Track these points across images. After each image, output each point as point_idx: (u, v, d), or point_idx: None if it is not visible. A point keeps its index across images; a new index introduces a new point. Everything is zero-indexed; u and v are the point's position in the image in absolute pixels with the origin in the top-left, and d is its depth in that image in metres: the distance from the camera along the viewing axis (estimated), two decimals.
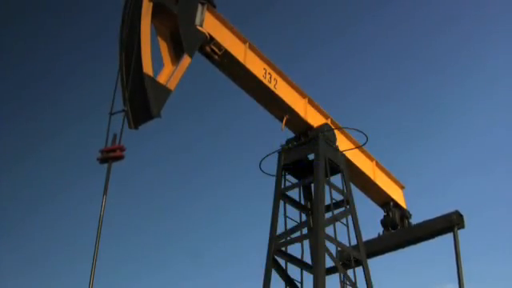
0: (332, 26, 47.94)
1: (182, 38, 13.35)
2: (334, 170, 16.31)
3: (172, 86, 12.97)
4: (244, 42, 15.01)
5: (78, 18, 44.84)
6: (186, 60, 13.32)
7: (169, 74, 13.15)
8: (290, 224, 16.10)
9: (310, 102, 16.65)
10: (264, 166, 16.69)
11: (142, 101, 12.30)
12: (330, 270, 15.41)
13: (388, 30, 47.70)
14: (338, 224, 15.97)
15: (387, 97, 45.23)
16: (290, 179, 16.49)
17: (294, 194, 16.55)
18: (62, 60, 44.53)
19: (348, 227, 16.02)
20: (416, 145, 41.57)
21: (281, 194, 16.16)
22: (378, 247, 18.53)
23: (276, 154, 16.56)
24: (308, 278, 15.52)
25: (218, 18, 14.38)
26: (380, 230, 18.95)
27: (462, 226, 18.01)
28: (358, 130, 18.01)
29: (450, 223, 17.94)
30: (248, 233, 38.55)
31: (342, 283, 15.28)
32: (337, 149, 16.68)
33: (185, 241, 39.95)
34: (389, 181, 19.01)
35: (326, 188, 15.87)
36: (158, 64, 13.15)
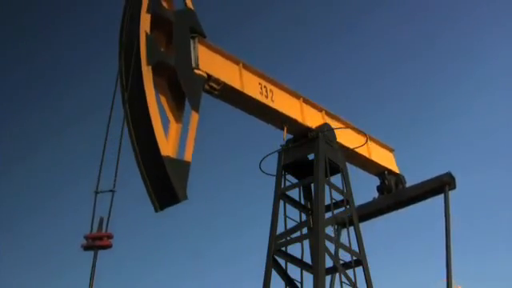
0: (332, 26, 48.02)
1: (186, 94, 13.24)
2: (334, 170, 16.32)
3: (189, 157, 12.74)
4: (237, 63, 15.05)
5: (78, 17, 44.86)
6: (194, 117, 13.15)
7: (177, 134, 13.00)
8: (290, 224, 16.14)
9: (305, 101, 16.70)
10: (264, 166, 16.73)
11: (162, 181, 11.99)
12: (330, 270, 15.42)
13: (388, 30, 47.77)
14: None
15: (387, 96, 45.28)
16: (290, 179, 16.50)
17: (294, 193, 16.58)
18: (61, 60, 44.56)
19: (348, 227, 16.04)
20: (415, 139, 41.51)
21: (281, 194, 16.17)
22: (371, 210, 18.78)
23: (276, 154, 16.57)
24: (308, 278, 15.55)
25: (208, 47, 14.33)
26: (375, 195, 19.15)
27: (454, 187, 18.20)
28: (357, 130, 18.10)
29: (442, 183, 18.09)
30: (248, 233, 38.54)
31: (341, 283, 15.31)
32: (337, 148, 16.68)
33: (185, 241, 39.96)
34: (381, 150, 19.07)
35: (326, 188, 15.89)
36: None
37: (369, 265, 15.94)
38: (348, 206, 16.25)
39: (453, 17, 46.28)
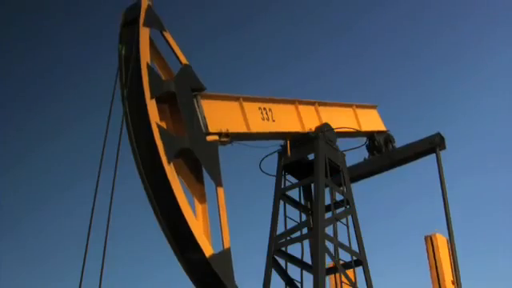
0: (331, 26, 48.03)
1: (207, 172, 13.01)
2: (334, 170, 16.32)
3: (227, 242, 12.58)
4: (237, 99, 15.06)
5: (78, 18, 44.86)
6: (220, 194, 12.95)
7: (205, 216, 12.77)
8: (290, 224, 16.14)
9: (299, 102, 16.72)
10: (264, 166, 16.72)
11: (209, 277, 12.02)
12: (330, 270, 15.41)
13: (388, 30, 47.78)
14: (338, 224, 16.00)
15: (386, 97, 45.29)
16: (290, 179, 16.51)
17: (294, 194, 16.58)
18: (61, 60, 44.55)
19: (348, 227, 16.05)
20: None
21: (281, 194, 16.17)
22: (363, 171, 18.87)
23: (276, 154, 16.57)
24: (308, 278, 15.55)
25: (209, 97, 14.13)
26: (365, 154, 19.22)
27: (444, 147, 18.31)
28: (356, 129, 18.10)
29: (432, 144, 18.17)
30: (248, 233, 38.51)
31: (341, 283, 15.30)
32: (337, 149, 16.70)
33: None
34: (367, 114, 19.07)
35: (326, 188, 15.87)
36: None
37: (369, 265, 15.95)
38: (348, 206, 16.25)
39: (453, 17, 46.31)
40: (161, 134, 12.26)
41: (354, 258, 15.72)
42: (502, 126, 42.18)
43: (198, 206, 12.88)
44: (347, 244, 15.81)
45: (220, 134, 13.91)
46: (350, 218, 16.20)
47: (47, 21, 45.96)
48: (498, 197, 42.04)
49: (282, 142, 16.52)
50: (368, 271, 15.85)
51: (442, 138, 18.26)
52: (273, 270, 15.42)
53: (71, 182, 42.93)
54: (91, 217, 11.39)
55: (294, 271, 15.89)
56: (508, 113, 41.39)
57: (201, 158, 12.98)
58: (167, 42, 13.72)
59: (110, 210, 11.50)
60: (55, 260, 39.04)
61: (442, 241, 17.38)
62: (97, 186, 11.70)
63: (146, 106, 12.37)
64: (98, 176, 11.76)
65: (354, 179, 18.12)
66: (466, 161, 41.10)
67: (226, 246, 12.51)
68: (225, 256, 12.37)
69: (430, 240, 17.31)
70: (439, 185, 17.90)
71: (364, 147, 19.00)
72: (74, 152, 40.14)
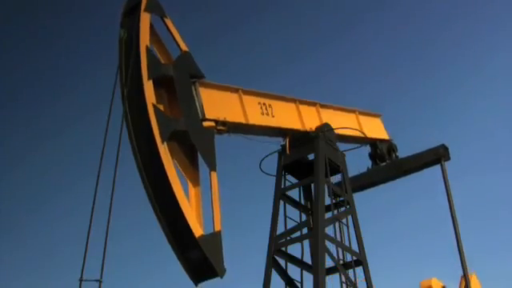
0: (331, 27, 48.08)
1: (202, 156, 13.08)
2: (334, 170, 16.32)
3: (218, 225, 12.55)
4: (236, 91, 15.08)
5: (78, 18, 44.89)
6: (214, 178, 12.99)
7: (198, 199, 12.74)
8: (290, 224, 16.13)
9: (300, 102, 16.75)
10: (264, 166, 16.71)
11: (199, 259, 11.98)
12: (330, 270, 15.42)
13: (387, 31, 47.81)
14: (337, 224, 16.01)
15: (385, 97, 45.29)
16: (290, 179, 16.50)
17: (294, 194, 16.57)
18: (61, 60, 44.59)
19: (348, 227, 16.05)
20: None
21: (281, 194, 16.16)
22: (367, 181, 18.96)
23: (276, 154, 16.57)
24: (308, 278, 15.54)
25: (208, 85, 14.17)
26: (369, 163, 19.28)
27: (448, 158, 18.45)
28: (357, 130, 18.09)
29: (437, 155, 18.32)
30: (248, 233, 38.53)
31: (341, 284, 15.28)
32: (337, 149, 16.69)
33: None
34: (370, 121, 19.13)
35: (326, 188, 15.86)
36: None
37: (369, 265, 15.95)
38: (348, 206, 16.24)
39: (453, 17, 46.34)
40: (156, 113, 12.33)
41: (354, 258, 15.72)
42: (501, 127, 42.23)
43: (192, 190, 12.90)
44: (347, 244, 15.82)
45: (217, 122, 13.94)
46: (350, 218, 16.20)
47: (47, 21, 46.04)
48: (498, 197, 42.05)
49: (282, 141, 16.54)
50: (368, 271, 15.85)
51: (446, 149, 18.35)
52: (273, 269, 15.42)
53: (71, 181, 42.96)
54: (91, 216, 11.41)
55: (294, 271, 15.91)
56: (508, 113, 41.46)
57: (196, 143, 13.05)
58: (167, 28, 13.76)
59: (110, 209, 11.51)
60: (55, 260, 39.07)
61: (475, 282, 17.68)
62: (97, 186, 11.73)
63: (142, 86, 12.44)
64: (98, 175, 11.77)
65: (359, 189, 18.18)
66: (466, 161, 41.12)
67: (217, 228, 12.51)
68: (214, 238, 12.34)
69: (464, 280, 17.49)
70: (442, 186, 18.01)
71: (364, 147, 19.03)
72: (74, 152, 40.21)
